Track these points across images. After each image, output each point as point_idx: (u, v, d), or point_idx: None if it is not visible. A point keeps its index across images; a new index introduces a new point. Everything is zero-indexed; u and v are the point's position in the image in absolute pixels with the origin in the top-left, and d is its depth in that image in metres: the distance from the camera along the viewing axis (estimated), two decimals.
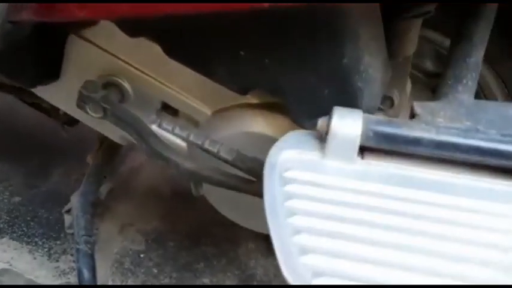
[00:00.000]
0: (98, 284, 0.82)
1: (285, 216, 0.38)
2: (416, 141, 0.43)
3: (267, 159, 0.43)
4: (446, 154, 0.43)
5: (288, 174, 0.42)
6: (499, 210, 0.40)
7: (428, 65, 0.80)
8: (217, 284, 1.00)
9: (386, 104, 0.63)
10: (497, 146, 0.42)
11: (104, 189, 0.97)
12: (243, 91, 0.59)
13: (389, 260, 0.36)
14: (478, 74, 0.50)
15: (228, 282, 1.00)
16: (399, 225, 0.38)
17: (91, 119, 0.70)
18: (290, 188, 0.41)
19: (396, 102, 0.64)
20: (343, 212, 0.39)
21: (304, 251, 0.36)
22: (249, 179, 0.62)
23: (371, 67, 0.52)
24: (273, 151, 0.44)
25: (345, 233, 0.37)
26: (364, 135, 0.43)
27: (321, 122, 0.45)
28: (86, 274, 0.81)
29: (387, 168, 0.43)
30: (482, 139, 0.42)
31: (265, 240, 1.06)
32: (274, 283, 1.03)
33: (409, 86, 0.68)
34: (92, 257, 0.83)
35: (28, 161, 1.17)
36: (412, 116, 0.46)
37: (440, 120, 0.44)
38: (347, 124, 0.43)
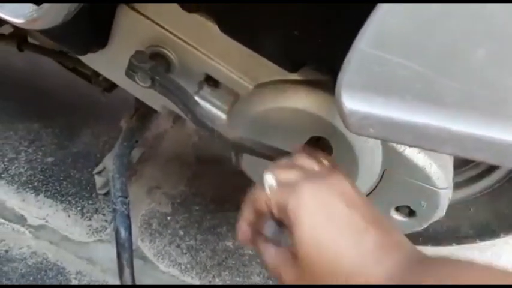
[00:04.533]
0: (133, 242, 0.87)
1: None
2: None
3: None
4: None
5: None
6: None
7: None
8: (239, 247, 1.05)
9: None
10: None
11: (136, 154, 1.01)
12: (294, 68, 0.62)
13: None
14: None
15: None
16: None
17: (136, 88, 0.73)
18: None
19: None
20: None
21: None
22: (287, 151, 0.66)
23: None
24: None
25: None
26: None
27: None
28: (123, 233, 0.86)
29: None
30: None
31: None
32: None
33: None
34: (128, 217, 0.87)
35: (56, 123, 1.20)
36: None
37: None
38: None
